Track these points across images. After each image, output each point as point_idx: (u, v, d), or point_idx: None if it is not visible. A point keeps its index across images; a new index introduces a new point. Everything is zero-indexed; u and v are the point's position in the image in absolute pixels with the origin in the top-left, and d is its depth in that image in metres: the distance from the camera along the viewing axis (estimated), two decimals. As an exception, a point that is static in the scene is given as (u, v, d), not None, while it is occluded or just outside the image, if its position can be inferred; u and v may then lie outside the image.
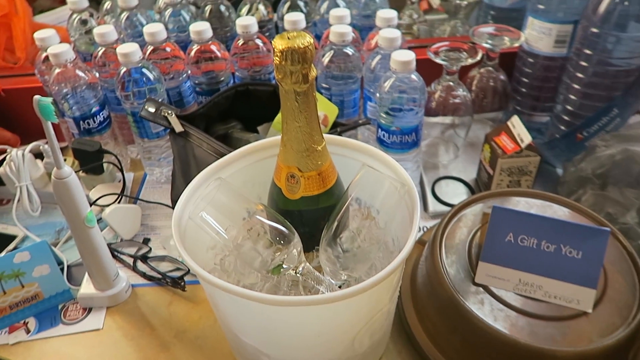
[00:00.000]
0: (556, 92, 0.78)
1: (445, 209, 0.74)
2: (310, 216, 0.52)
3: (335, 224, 0.50)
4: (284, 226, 0.50)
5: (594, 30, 0.68)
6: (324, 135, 0.51)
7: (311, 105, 0.46)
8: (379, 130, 0.71)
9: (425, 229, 0.71)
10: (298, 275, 0.51)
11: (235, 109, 0.77)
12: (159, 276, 0.65)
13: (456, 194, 0.76)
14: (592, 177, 0.66)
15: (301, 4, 0.88)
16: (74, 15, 0.86)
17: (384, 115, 0.69)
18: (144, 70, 0.72)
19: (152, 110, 0.69)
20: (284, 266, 0.50)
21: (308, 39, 0.42)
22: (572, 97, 0.73)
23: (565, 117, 0.76)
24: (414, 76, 0.67)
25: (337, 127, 0.71)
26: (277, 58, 0.42)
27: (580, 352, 0.45)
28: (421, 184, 0.78)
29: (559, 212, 0.59)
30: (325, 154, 0.49)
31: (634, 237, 0.58)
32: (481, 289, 0.51)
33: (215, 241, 0.50)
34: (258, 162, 0.57)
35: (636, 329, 0.47)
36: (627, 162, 0.63)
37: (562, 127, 0.77)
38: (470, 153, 0.85)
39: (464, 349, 0.51)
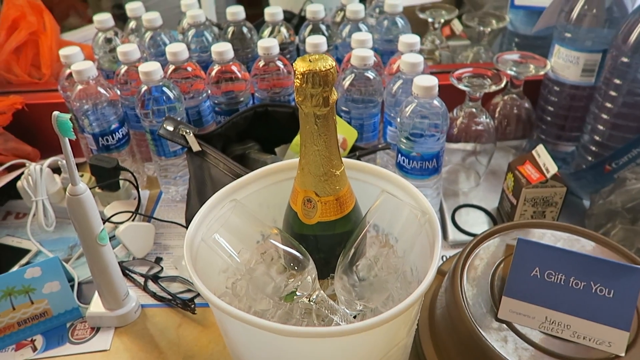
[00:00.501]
0: (583, 121, 0.76)
1: (466, 238, 0.71)
2: (326, 242, 0.51)
3: (352, 251, 0.48)
4: (298, 251, 0.48)
5: (624, 59, 0.66)
6: (343, 159, 0.50)
7: (331, 128, 0.45)
8: (399, 155, 0.69)
9: (445, 259, 0.68)
10: (312, 303, 0.49)
11: (254, 129, 0.77)
12: (169, 297, 0.63)
13: (477, 222, 0.74)
14: (622, 211, 0.63)
15: (323, 27, 0.88)
16: (99, 34, 0.87)
17: (404, 141, 0.67)
18: (165, 88, 0.72)
19: (170, 128, 0.69)
20: (297, 293, 0.48)
21: (330, 62, 0.41)
22: (600, 127, 0.71)
23: (593, 148, 0.73)
24: (436, 102, 0.65)
25: (356, 151, 0.70)
26: (297, 80, 0.41)
27: (612, 400, 0.42)
28: (441, 212, 0.76)
29: (587, 246, 0.56)
30: (343, 178, 0.48)
31: (668, 276, 0.55)
32: (504, 325, 0.48)
33: (227, 264, 0.49)
34: (274, 185, 0.56)
35: (673, 376, 0.43)
36: (659, 196, 0.60)
37: (589, 158, 0.74)
38: (491, 181, 0.82)
39: (484, 389, 0.48)
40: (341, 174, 0.47)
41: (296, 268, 0.48)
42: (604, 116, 0.70)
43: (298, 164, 0.48)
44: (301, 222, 0.50)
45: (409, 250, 0.51)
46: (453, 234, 0.72)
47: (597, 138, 0.72)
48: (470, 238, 0.64)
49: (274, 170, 0.55)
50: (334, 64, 0.41)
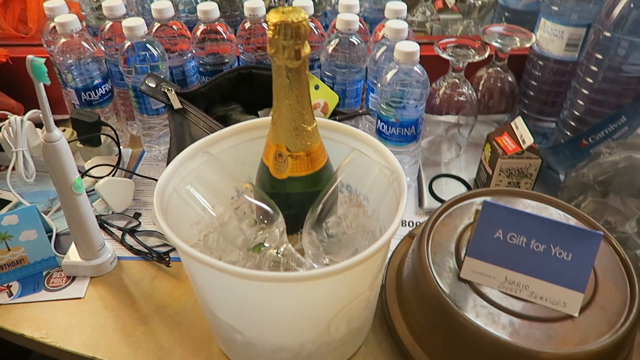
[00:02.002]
0: (565, 97, 0.76)
1: (441, 206, 0.72)
2: (296, 198, 0.52)
3: (320, 206, 0.49)
4: (268, 205, 0.49)
5: (607, 34, 0.66)
6: (317, 118, 0.50)
7: (303, 83, 0.45)
8: (379, 121, 0.70)
9: (418, 224, 0.70)
10: (279, 255, 0.50)
11: (238, 91, 0.77)
12: (146, 250, 0.65)
13: (453, 192, 0.75)
14: (594, 184, 0.64)
15: (313, -8, 0.87)
16: (86, -11, 0.86)
17: (384, 107, 0.68)
18: (148, 45, 0.72)
19: (152, 85, 0.69)
20: (266, 245, 0.49)
21: (303, 15, 0.41)
22: (580, 102, 0.72)
23: (572, 123, 0.74)
24: (417, 69, 0.66)
25: (337, 116, 0.71)
26: (270, 32, 0.42)
27: (564, 355, 0.44)
28: (419, 180, 0.77)
29: (554, 215, 0.57)
30: (315, 135, 0.49)
31: (632, 246, 0.56)
32: (466, 284, 0.50)
33: (200, 217, 0.50)
34: (250, 142, 0.56)
35: (623, 337, 0.45)
36: (630, 170, 0.61)
37: (568, 133, 0.75)
38: (472, 153, 0.83)
39: (444, 345, 0.49)
40: (313, 130, 0.48)
41: (265, 222, 0.49)
42: (584, 91, 0.70)
43: (271, 119, 0.48)
44: (272, 177, 0.50)
45: (377, 209, 0.52)
46: (429, 202, 0.73)
47: (576, 113, 0.73)
48: (444, 205, 0.65)
49: (250, 126, 0.56)
50: (306, 16, 0.41)
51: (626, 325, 0.45)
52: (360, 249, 0.52)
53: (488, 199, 0.59)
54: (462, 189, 0.76)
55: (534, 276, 0.48)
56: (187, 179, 0.50)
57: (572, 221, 0.56)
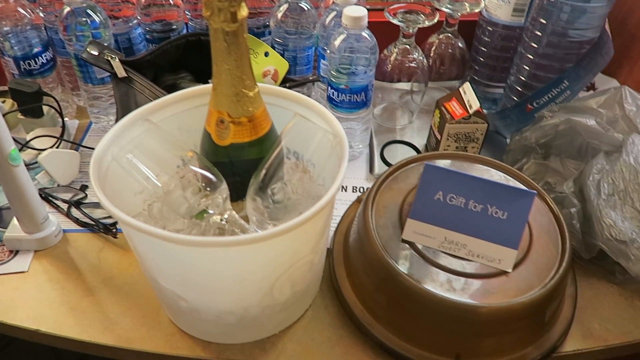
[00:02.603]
0: (512, 63, 0.77)
1: (392, 172, 0.73)
2: (240, 164, 0.51)
3: (264, 172, 0.49)
4: (211, 173, 0.49)
5: (550, -1, 0.67)
6: (259, 84, 0.50)
7: (241, 47, 0.44)
8: (329, 88, 0.69)
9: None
10: (223, 222, 0.50)
11: (187, 59, 0.75)
12: (92, 222, 0.63)
13: (404, 157, 0.76)
14: (536, 147, 0.66)
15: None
16: (23, -48, 0.82)
17: (334, 73, 0.67)
18: (89, 11, 0.69)
19: (94, 53, 0.66)
20: (209, 211, 0.49)
21: (237, -25, 0.40)
22: (525, 67, 0.73)
23: (518, 88, 0.75)
24: (365, 34, 0.65)
25: (287, 83, 0.70)
26: (204, -8, 0.41)
27: (497, 308, 0.46)
28: (370, 147, 0.77)
29: (496, 177, 0.59)
30: (257, 101, 0.48)
31: (568, 205, 0.59)
32: (407, 245, 0.51)
33: (143, 186, 0.49)
34: (195, 109, 0.56)
35: (552, 290, 0.47)
36: (569, 132, 0.63)
37: (515, 98, 0.76)
38: (425, 119, 0.84)
39: (388, 305, 0.51)
40: (255, 96, 0.48)
41: (209, 189, 0.49)
42: (529, 56, 0.72)
43: (212, 85, 0.48)
44: (215, 144, 0.50)
45: (323, 175, 0.53)
46: (379, 167, 0.73)
47: (522, 78, 0.74)
48: (393, 170, 0.66)
49: (194, 93, 0.55)
50: (241, -23, 0.40)
51: (555, 279, 0.47)
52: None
53: (434, 162, 0.60)
54: (413, 154, 0.77)
55: (471, 235, 0.49)
56: (128, 147, 0.49)
57: (511, 182, 0.58)
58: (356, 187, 0.71)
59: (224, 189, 0.49)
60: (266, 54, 0.71)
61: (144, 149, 0.49)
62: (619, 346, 0.53)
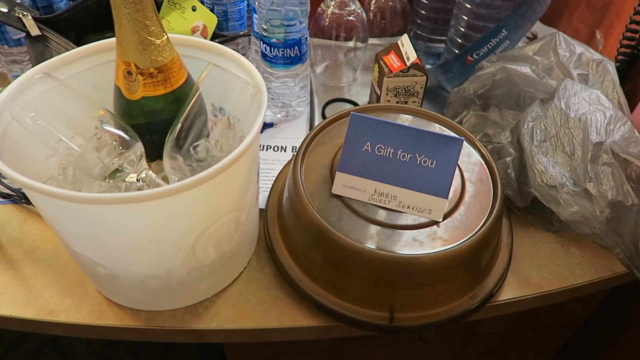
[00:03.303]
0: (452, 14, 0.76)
1: (333, 131, 0.71)
2: (157, 121, 0.48)
3: (179, 126, 0.46)
4: (123, 130, 0.46)
5: (487, -56, 0.65)
6: (170, 35, 0.46)
7: None
8: (262, 44, 0.66)
9: (308, 150, 0.68)
10: (139, 182, 0.47)
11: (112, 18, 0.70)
12: (13, 193, 0.59)
13: (346, 116, 0.74)
14: (474, 98, 0.65)
15: None
16: None
17: (265, 27, 0.64)
18: (-4, -36, 0.63)
19: (4, 10, 0.61)
20: (125, 169, 0.46)
21: None
22: (464, 17, 0.71)
23: (458, 40, 0.74)
24: (295, -17, 0.62)
25: (217, 39, 0.66)
26: None
27: (427, 258, 0.45)
28: (311, 106, 0.75)
29: (431, 128, 0.57)
30: (167, 50, 0.45)
31: (505, 154, 0.58)
32: (337, 200, 0.49)
33: (54, 150, 0.46)
34: (109, 64, 0.52)
35: (483, 237, 0.46)
36: (507, 82, 0.62)
37: (456, 50, 0.75)
38: (368, 77, 0.82)
39: (323, 263, 0.49)
40: (163, 45, 0.44)
41: (121, 147, 0.46)
42: (468, 5, 0.70)
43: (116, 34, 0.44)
44: (125, 99, 0.47)
45: (249, 130, 0.50)
46: (320, 126, 0.71)
47: (461, 29, 0.72)
48: (331, 127, 0.64)
49: (107, 46, 0.51)
50: None
51: (486, 226, 0.47)
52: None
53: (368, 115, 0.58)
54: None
55: (401, 186, 0.48)
56: (33, 106, 0.45)
57: (445, 132, 0.56)
58: (295, 148, 0.68)
59: (138, 146, 0.46)
60: (194, 8, 0.67)
61: (52, 108, 0.45)
62: (555, 292, 0.53)
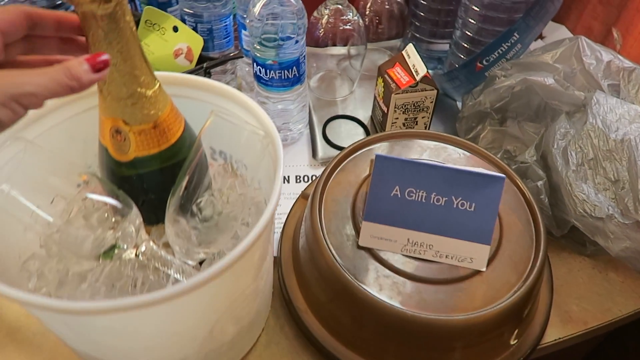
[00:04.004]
0: (456, 16, 0.70)
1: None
2: (153, 179, 0.41)
3: (184, 184, 0.40)
4: (114, 196, 0.39)
5: (495, -59, 0.59)
6: (162, 73, 0.40)
7: (125, 34, 0.33)
8: (255, 65, 0.59)
9: (313, 178, 0.62)
10: (139, 258, 0.40)
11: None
12: (-17, 261, 0.52)
13: (349, 135, 0.68)
14: (491, 112, 0.60)
15: None
16: None
17: (258, 47, 0.57)
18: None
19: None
20: (122, 246, 0.40)
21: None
22: (471, 20, 0.65)
23: (465, 45, 0.68)
24: (289, -3, 0.55)
25: (205, 62, 0.59)
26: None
27: (474, 318, 0.40)
28: (310, 126, 0.68)
29: (454, 154, 0.52)
30: (161, 99, 0.38)
31: (533, 177, 0.53)
32: (365, 253, 0.44)
33: (29, 224, 0.38)
34: (87, 112, 0.44)
35: (532, 284, 0.42)
36: (526, 93, 0.57)
37: (462, 56, 0.69)
38: (367, 87, 0.76)
39: (353, 324, 0.44)
40: (156, 95, 0.37)
41: (114, 219, 0.39)
42: (475, 8, 0.64)
43: (97, 85, 0.37)
44: (115, 160, 0.39)
45: (259, 177, 0.44)
46: (324, 150, 0.65)
47: (468, 33, 0.67)
48: (339, 154, 0.58)
49: (80, 94, 0.43)
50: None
51: (534, 272, 0.42)
52: (239, 230, 0.44)
53: (384, 146, 0.52)
54: (359, 130, 0.69)
55: (437, 233, 0.43)
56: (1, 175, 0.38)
57: (471, 159, 0.51)
58: (299, 177, 0.62)
59: (134, 214, 0.39)
60: (175, 29, 0.59)
61: (23, 176, 0.38)
62: (599, 327, 0.49)
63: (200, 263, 0.44)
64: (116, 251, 0.39)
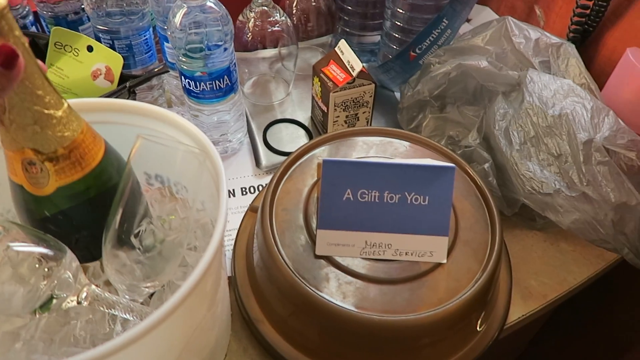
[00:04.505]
0: (384, 6, 0.69)
1: (282, 160, 0.63)
2: (81, 212, 0.37)
3: (119, 216, 0.36)
4: (42, 242, 0.35)
5: None
6: (79, 100, 0.36)
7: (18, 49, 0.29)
8: (183, 78, 0.56)
9: (260, 189, 0.60)
10: (83, 304, 0.36)
11: None
12: None
13: (292, 139, 0.66)
14: (430, 100, 0.60)
15: None
16: None
17: (184, 59, 0.54)
18: None
19: None
20: (60, 295, 0.36)
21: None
22: (400, 10, 0.65)
23: (396, 35, 0.68)
24: (210, 3, 0.52)
25: (128, 82, 0.55)
26: None
27: (439, 314, 0.39)
28: (250, 134, 0.66)
29: (400, 148, 0.51)
30: (72, 119, 0.34)
31: (479, 160, 0.53)
32: (324, 261, 0.42)
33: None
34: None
35: (493, 269, 0.42)
36: (462, 78, 0.57)
37: (394, 46, 0.69)
38: (304, 88, 0.74)
39: (320, 337, 0.42)
40: (67, 114, 0.33)
41: (47, 269, 0.35)
42: (402, -2, 0.64)
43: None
44: (34, 196, 0.35)
45: (201, 199, 0.41)
46: (267, 157, 0.63)
47: (398, 23, 0.66)
48: (283, 161, 0.56)
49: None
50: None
51: (494, 255, 0.42)
52: (187, 256, 0.41)
53: (329, 147, 0.50)
54: (301, 132, 0.67)
55: (394, 232, 0.42)
56: None
57: (418, 150, 0.51)
58: (245, 189, 0.60)
59: (69, 258, 0.36)
60: (90, 49, 0.55)
61: None
62: (558, 298, 0.50)
63: (151, 296, 0.41)
64: (54, 302, 0.35)
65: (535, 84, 0.50)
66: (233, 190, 0.59)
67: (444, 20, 0.62)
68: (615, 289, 0.66)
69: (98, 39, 0.57)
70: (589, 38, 0.59)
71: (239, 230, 0.52)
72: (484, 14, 0.78)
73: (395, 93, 0.73)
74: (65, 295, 0.35)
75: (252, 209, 0.53)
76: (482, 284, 0.40)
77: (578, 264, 0.53)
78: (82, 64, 0.54)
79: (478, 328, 0.44)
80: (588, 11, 0.56)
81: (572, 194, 0.45)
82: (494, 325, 0.45)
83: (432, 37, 0.63)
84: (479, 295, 0.41)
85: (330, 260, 0.42)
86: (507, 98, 0.54)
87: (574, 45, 0.53)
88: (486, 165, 0.52)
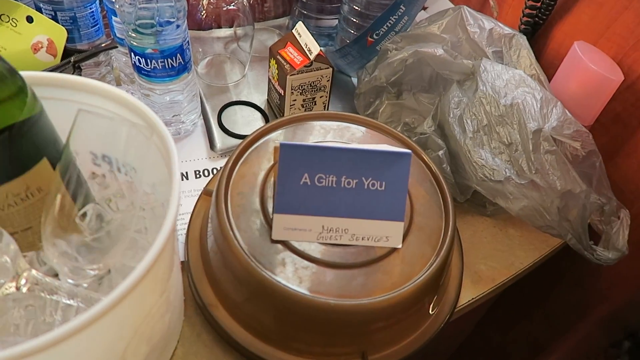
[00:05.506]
0: (342, -10, 0.69)
1: (238, 142, 0.61)
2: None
3: (58, 199, 0.34)
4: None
5: None
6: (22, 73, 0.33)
7: None
8: (133, 55, 0.53)
9: (214, 172, 0.58)
10: (23, 289, 0.34)
11: None
12: None
13: (248, 122, 0.65)
14: (387, 86, 0.60)
15: None
16: None
17: (134, 35, 0.51)
18: None
19: None
20: (-4, 282, 0.33)
21: None
22: (358, -5, 0.65)
23: (354, 19, 0.67)
24: (163, -24, 0.50)
25: (72, 56, 0.52)
26: None
27: (393, 298, 0.39)
28: (204, 115, 0.64)
29: (357, 133, 0.51)
30: None
31: (433, 147, 0.54)
32: (280, 246, 0.41)
33: None
34: None
35: (446, 254, 0.43)
36: (418, 65, 0.57)
37: (352, 31, 0.69)
38: (260, 70, 0.72)
39: (276, 323, 0.42)
40: None
41: (-20, 251, 0.33)
42: (361, -18, 0.63)
43: None
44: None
45: (151, 181, 0.40)
46: (222, 140, 0.61)
47: (356, 8, 0.66)
48: (239, 144, 0.55)
49: None
50: None
51: (447, 241, 0.43)
52: (138, 237, 0.40)
53: (286, 131, 0.50)
54: (257, 115, 0.66)
55: (351, 217, 0.42)
56: None
57: (375, 136, 0.51)
58: (199, 172, 0.58)
59: (6, 242, 0.33)
60: (29, 19, 0.51)
61: None
62: (506, 281, 0.52)
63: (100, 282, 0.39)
64: (-9, 290, 0.33)
65: (488, 74, 0.51)
66: (186, 173, 0.58)
67: (401, 6, 0.62)
68: (558, 272, 0.69)
69: (39, 10, 0.53)
70: (539, 30, 0.61)
71: (192, 214, 0.51)
72: (440, 2, 0.79)
73: (352, 78, 0.72)
74: (2, 281, 0.33)
75: (206, 192, 0.52)
76: (435, 269, 0.41)
77: (524, 249, 0.55)
78: (21, 36, 0.51)
79: (430, 311, 0.45)
80: (539, 4, 0.58)
81: (521, 182, 0.47)
82: (446, 308, 0.47)
83: (390, 23, 0.63)
84: (432, 280, 0.42)
85: (286, 244, 0.41)
86: (461, 86, 0.55)
87: (525, 37, 0.54)
88: (440, 152, 0.53)
